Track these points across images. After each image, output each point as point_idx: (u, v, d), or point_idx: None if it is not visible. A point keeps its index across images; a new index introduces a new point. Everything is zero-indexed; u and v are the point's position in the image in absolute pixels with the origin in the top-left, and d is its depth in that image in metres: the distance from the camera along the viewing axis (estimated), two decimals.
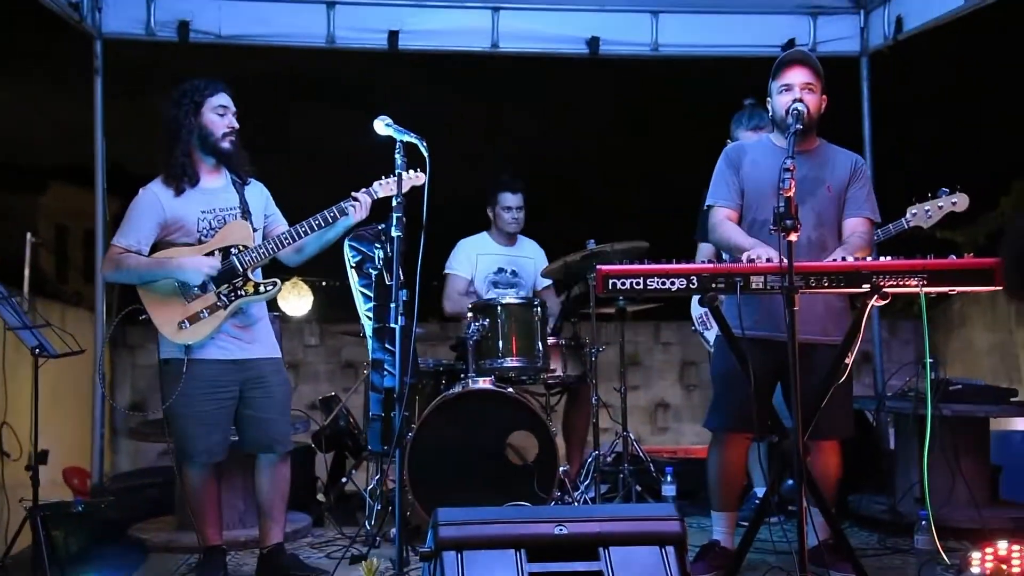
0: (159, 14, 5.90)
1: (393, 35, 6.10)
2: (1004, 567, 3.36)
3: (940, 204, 4.58)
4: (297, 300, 7.52)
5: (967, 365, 8.02)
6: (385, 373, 4.54)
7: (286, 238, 4.06)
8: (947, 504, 4.60)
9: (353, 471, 5.45)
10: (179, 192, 4.02)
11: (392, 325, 3.64)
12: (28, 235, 5.94)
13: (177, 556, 4.46)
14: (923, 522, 4.17)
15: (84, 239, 24.96)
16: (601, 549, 3.00)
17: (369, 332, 4.81)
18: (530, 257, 5.83)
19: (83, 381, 5.95)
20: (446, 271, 5.75)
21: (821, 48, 6.18)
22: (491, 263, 5.71)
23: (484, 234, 5.83)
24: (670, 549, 3.02)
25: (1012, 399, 4.99)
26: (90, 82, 5.96)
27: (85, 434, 5.95)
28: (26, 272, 5.80)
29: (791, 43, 6.18)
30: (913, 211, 4.61)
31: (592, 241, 5.13)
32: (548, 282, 5.85)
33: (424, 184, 3.84)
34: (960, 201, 4.57)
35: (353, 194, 4.09)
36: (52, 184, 25.17)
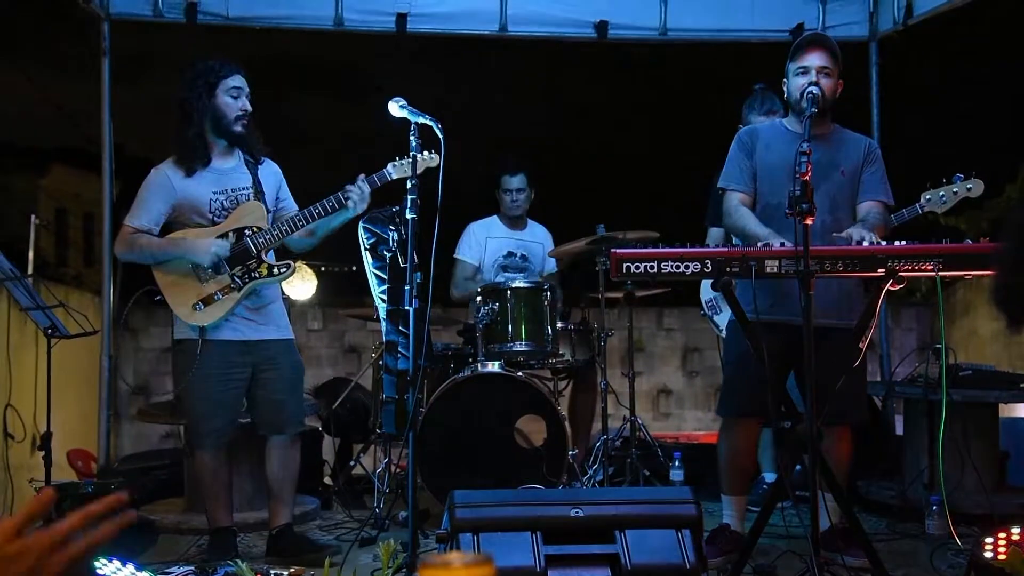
0: None
1: (401, 17, 6.07)
2: (1020, 551, 3.35)
3: (955, 190, 4.56)
4: (301, 284, 7.46)
5: (971, 352, 8.03)
6: (399, 355, 4.54)
7: (299, 220, 4.04)
8: (957, 489, 4.61)
9: (361, 454, 5.45)
10: (190, 173, 4.01)
11: (406, 307, 3.62)
12: (32, 217, 5.93)
13: (187, 537, 4.46)
14: (935, 507, 4.17)
15: (84, 222, 24.92)
16: (617, 532, 3.00)
17: (383, 314, 4.81)
18: (539, 242, 5.81)
19: (85, 364, 5.94)
20: (455, 256, 5.74)
21: (830, 33, 6.10)
22: (501, 247, 5.70)
23: (494, 217, 5.82)
24: (686, 532, 3.03)
25: (1022, 384, 4.99)
26: (93, 64, 5.92)
27: (87, 417, 5.95)
28: (30, 254, 5.79)
29: (800, 27, 6.15)
30: (928, 196, 4.60)
31: (602, 226, 5.12)
32: (554, 268, 5.83)
33: (439, 166, 3.81)
34: (975, 187, 4.55)
35: (350, 186, 4.05)
36: (52, 166, 25.09)
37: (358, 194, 4.02)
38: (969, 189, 4.57)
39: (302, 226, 4.04)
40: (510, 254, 5.68)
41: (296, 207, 4.24)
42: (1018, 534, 3.41)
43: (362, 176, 4.05)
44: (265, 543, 4.27)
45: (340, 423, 5.64)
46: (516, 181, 5.70)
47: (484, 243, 5.71)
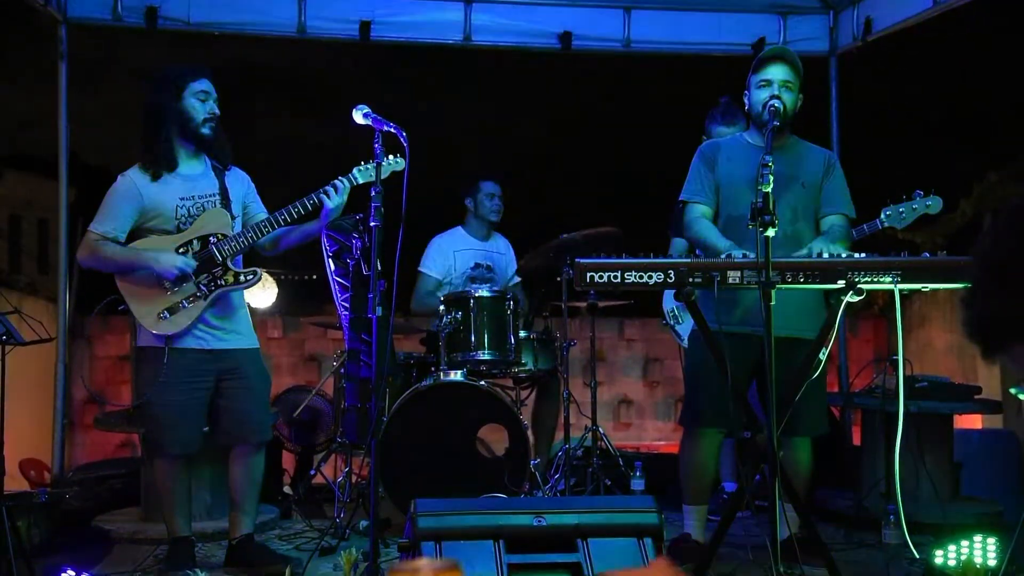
0: None
1: (365, 26, 6.05)
2: (973, 560, 3.41)
3: (915, 206, 4.61)
4: (262, 292, 7.41)
5: (926, 364, 8.13)
6: (361, 363, 4.51)
7: (265, 226, 4.00)
8: (912, 499, 4.67)
9: (322, 463, 5.41)
10: (157, 177, 3.96)
11: (369, 315, 3.61)
12: None
13: (144, 547, 4.40)
14: (891, 517, 4.22)
15: (38, 228, 24.55)
16: (579, 540, 3.01)
17: (345, 322, 4.78)
18: (503, 253, 5.81)
19: (38, 372, 5.83)
20: (419, 269, 5.71)
21: (790, 47, 6.18)
22: (468, 258, 5.68)
23: (459, 229, 5.79)
24: (648, 541, 3.04)
25: (976, 396, 5.07)
26: (48, 68, 5.83)
27: (40, 426, 5.84)
28: None
29: (761, 42, 6.22)
30: (888, 212, 4.65)
31: (564, 235, 5.13)
32: (518, 279, 5.83)
33: (404, 171, 3.80)
34: (934, 204, 4.61)
35: (333, 182, 4.04)
36: (5, 172, 24.69)
37: (334, 190, 3.99)
38: (928, 206, 4.63)
39: (268, 231, 4.01)
40: (477, 265, 5.67)
41: (265, 211, 4.20)
42: (972, 542, 3.47)
43: (341, 177, 4.03)
44: (224, 553, 4.22)
45: (300, 432, 5.60)
46: (497, 188, 5.72)
47: (452, 257, 5.67)
